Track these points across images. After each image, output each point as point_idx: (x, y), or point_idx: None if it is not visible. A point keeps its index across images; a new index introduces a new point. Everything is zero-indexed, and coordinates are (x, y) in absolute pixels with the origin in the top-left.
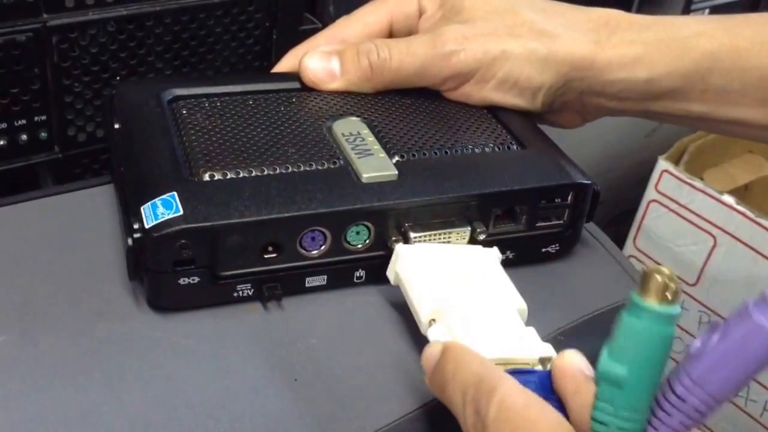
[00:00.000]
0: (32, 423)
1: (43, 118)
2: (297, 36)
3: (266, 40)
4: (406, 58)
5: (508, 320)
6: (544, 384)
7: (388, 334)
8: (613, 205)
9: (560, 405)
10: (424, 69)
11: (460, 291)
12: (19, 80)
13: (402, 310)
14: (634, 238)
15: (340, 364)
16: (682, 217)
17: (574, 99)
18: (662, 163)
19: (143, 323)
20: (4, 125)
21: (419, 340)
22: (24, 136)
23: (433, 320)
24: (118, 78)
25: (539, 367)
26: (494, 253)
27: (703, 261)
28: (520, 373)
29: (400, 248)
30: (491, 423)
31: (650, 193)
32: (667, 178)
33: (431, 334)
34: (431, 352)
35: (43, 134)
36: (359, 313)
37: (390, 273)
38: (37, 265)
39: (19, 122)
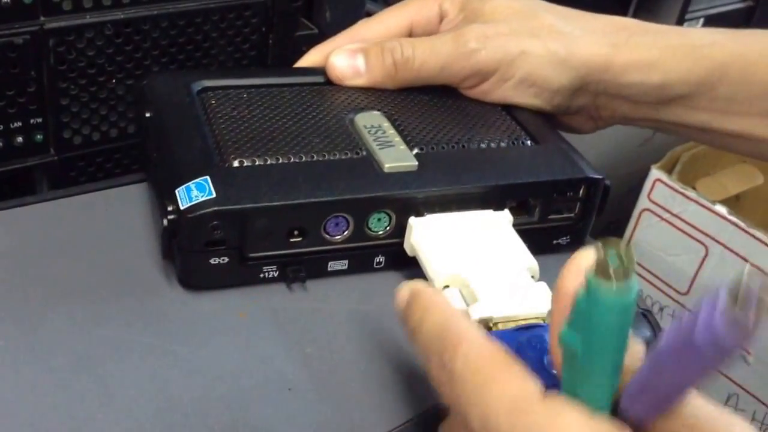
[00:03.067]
0: (33, 429)
1: (39, 120)
2: (293, 42)
3: (262, 46)
4: (430, 57)
5: (518, 278)
6: None
7: (391, 340)
8: (605, 214)
9: None
10: (446, 67)
11: (472, 256)
12: (15, 82)
13: None
14: None
15: (339, 371)
16: (674, 226)
17: (590, 102)
18: (655, 173)
19: (144, 330)
20: None
21: None
22: (19, 139)
23: (447, 287)
24: (114, 81)
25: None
26: (506, 216)
27: (695, 270)
28: (528, 329)
29: (413, 221)
30: (457, 378)
31: (643, 202)
32: (659, 188)
33: None
34: (401, 295)
35: (39, 137)
36: (362, 319)
37: (406, 246)
38: (38, 272)
39: (15, 124)
